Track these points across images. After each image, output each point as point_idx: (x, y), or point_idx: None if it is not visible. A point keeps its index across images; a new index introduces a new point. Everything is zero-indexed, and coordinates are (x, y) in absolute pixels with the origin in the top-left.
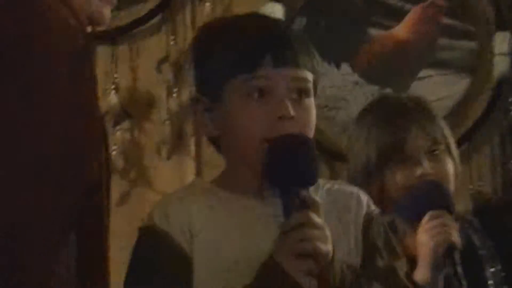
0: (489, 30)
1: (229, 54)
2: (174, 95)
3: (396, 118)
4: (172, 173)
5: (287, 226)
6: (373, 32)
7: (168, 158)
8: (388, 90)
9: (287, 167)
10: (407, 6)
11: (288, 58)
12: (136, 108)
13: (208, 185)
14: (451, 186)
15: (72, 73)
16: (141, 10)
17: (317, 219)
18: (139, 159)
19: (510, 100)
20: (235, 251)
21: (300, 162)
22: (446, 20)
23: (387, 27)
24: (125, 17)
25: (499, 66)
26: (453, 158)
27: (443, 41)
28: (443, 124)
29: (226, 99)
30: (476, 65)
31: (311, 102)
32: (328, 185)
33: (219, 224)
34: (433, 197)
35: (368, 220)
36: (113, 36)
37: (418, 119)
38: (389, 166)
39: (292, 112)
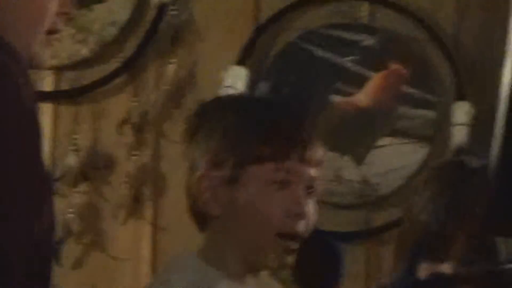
0: (448, 100)
1: (261, 142)
2: (134, 157)
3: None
4: (128, 238)
5: None
6: (335, 98)
7: (124, 222)
8: (346, 157)
9: (324, 271)
10: (369, 73)
11: (310, 156)
12: (95, 170)
13: (205, 265)
14: None
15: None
16: (105, 70)
17: None
18: (95, 223)
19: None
20: None
21: (336, 268)
22: (406, 89)
23: (349, 94)
24: (88, 77)
25: (457, 136)
26: None
27: (403, 109)
28: None
29: (243, 183)
30: (434, 134)
31: (314, 201)
32: None
33: None
34: None
35: None
36: (75, 96)
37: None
38: None
39: (308, 211)
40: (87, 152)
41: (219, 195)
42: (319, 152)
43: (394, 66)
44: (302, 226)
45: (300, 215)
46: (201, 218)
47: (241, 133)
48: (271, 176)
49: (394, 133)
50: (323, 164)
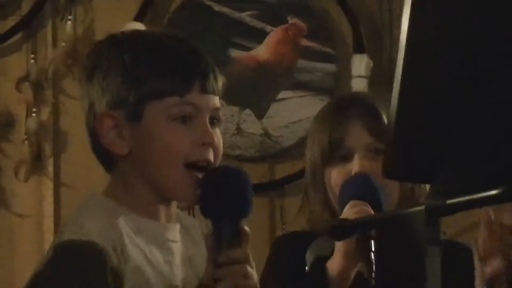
0: (347, 52)
1: (158, 77)
2: (33, 114)
3: (336, 115)
4: (30, 195)
5: (225, 257)
6: (234, 53)
7: (26, 179)
8: (247, 111)
9: (224, 199)
10: (268, 27)
11: (212, 86)
12: None
13: (117, 205)
14: (393, 187)
15: None
16: (1, 28)
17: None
18: None
19: None
20: (157, 275)
21: (238, 194)
22: (305, 42)
23: (248, 48)
24: None
25: (357, 88)
26: None
27: (302, 63)
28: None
29: (146, 119)
30: (334, 87)
31: (219, 130)
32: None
33: (143, 247)
34: (359, 192)
35: None
36: None
37: (359, 116)
38: (331, 164)
39: (215, 140)
40: None
41: (124, 133)
42: (220, 81)
43: (293, 20)
44: (210, 154)
45: (208, 144)
46: (107, 158)
47: (138, 69)
48: (173, 110)
49: (294, 86)
50: (221, 94)
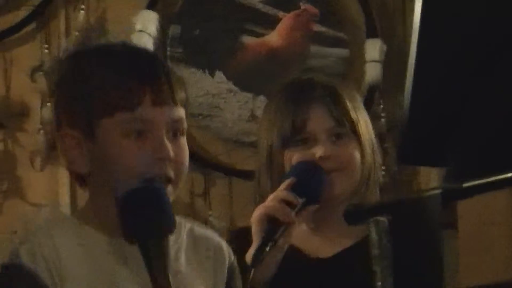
0: (360, 37)
1: (106, 92)
2: (48, 104)
3: (298, 98)
4: (46, 184)
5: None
6: (247, 39)
7: (42, 169)
8: (261, 98)
9: (142, 221)
10: (280, 13)
11: (167, 97)
12: (9, 118)
13: (73, 220)
14: (354, 172)
15: None
16: (14, 18)
17: None
18: (12, 170)
19: (381, 106)
20: None
21: (155, 214)
22: (318, 28)
23: (260, 35)
24: None
25: (370, 72)
26: (361, 144)
27: (315, 48)
28: (354, 106)
29: (100, 137)
30: (347, 72)
31: (184, 140)
32: (189, 226)
33: (88, 264)
34: (301, 179)
35: (232, 272)
36: None
37: (321, 99)
38: (291, 148)
39: (171, 154)
40: (1, 100)
41: (82, 152)
42: (179, 90)
43: (305, 6)
44: (168, 169)
45: (164, 159)
46: (76, 176)
47: (89, 85)
48: (125, 127)
49: (308, 72)
50: (186, 102)
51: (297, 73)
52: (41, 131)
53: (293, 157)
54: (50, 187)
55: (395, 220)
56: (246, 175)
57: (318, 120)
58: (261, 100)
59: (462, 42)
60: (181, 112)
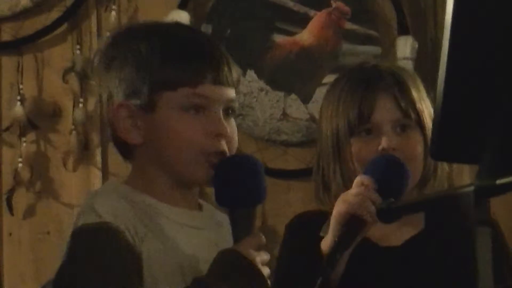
0: (391, 34)
1: (171, 67)
2: (80, 105)
3: (365, 87)
4: (78, 185)
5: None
6: (278, 38)
7: (74, 169)
8: (293, 96)
9: (239, 188)
10: (312, 12)
11: (225, 77)
12: (42, 119)
13: (127, 188)
14: (417, 165)
15: None
16: (47, 19)
17: None
18: (45, 171)
19: None
20: (179, 257)
21: (253, 181)
22: (349, 25)
23: (292, 33)
24: (30, 27)
25: None
26: (425, 135)
27: (347, 46)
28: (419, 96)
29: (160, 109)
30: None
31: (234, 120)
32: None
33: (159, 231)
34: (386, 174)
35: None
36: (18, 46)
37: (388, 89)
38: (356, 138)
39: (229, 131)
40: (33, 101)
41: (139, 123)
42: (234, 72)
43: (336, 4)
44: (224, 145)
45: (220, 135)
46: (124, 147)
47: (152, 60)
48: (186, 101)
49: (339, 70)
50: (239, 84)
51: (329, 71)
52: (74, 132)
53: (355, 146)
54: (83, 188)
55: (428, 218)
56: (278, 173)
57: (385, 111)
58: (293, 98)
59: (494, 39)
60: (234, 93)
